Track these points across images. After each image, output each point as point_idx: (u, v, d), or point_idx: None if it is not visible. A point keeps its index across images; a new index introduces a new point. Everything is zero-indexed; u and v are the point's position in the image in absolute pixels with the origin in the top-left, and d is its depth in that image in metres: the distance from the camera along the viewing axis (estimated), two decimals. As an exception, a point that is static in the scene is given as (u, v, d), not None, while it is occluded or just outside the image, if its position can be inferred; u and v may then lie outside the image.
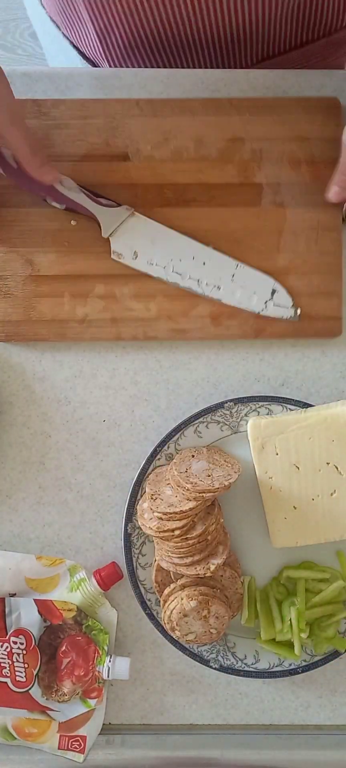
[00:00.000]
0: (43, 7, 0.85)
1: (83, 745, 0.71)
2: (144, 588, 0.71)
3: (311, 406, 0.71)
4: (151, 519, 0.67)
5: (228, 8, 0.70)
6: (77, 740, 0.71)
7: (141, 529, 0.70)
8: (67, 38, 0.85)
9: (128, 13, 0.71)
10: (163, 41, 0.75)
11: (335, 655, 0.72)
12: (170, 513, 0.65)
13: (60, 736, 0.71)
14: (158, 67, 0.78)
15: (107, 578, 0.71)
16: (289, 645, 0.70)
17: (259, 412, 0.71)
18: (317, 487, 0.70)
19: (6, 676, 0.69)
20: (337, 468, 0.70)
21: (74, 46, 0.85)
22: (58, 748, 0.71)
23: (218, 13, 0.71)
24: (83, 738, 0.71)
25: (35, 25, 0.94)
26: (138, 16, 0.72)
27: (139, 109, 0.71)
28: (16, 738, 0.71)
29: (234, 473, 0.67)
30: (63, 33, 0.85)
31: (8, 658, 0.69)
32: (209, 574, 0.67)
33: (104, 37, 0.76)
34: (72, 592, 0.71)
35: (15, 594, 0.71)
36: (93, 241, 0.71)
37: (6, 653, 0.69)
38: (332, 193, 0.69)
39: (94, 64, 0.84)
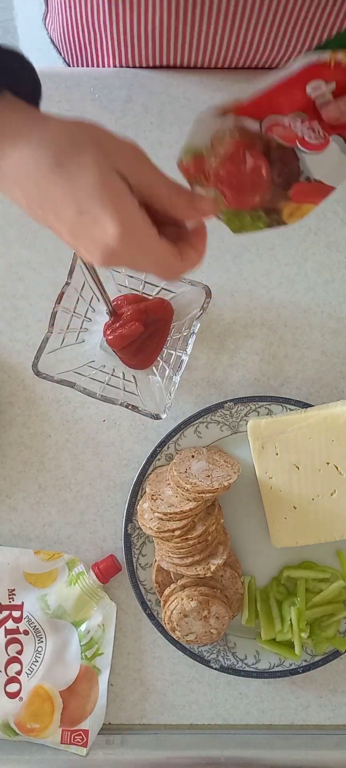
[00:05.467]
0: None
1: (86, 738, 0.71)
2: (144, 588, 0.71)
3: (311, 406, 0.71)
4: (151, 519, 0.67)
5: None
6: (80, 734, 0.71)
7: (141, 530, 0.70)
8: (47, 30, 0.85)
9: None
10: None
11: (335, 654, 0.72)
12: (170, 513, 0.65)
13: (62, 730, 0.71)
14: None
15: (106, 571, 0.71)
16: (289, 645, 0.70)
17: (259, 412, 0.71)
18: (317, 487, 0.70)
19: None
20: (337, 468, 0.70)
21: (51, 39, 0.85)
22: (61, 743, 0.71)
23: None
24: (86, 732, 0.71)
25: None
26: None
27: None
28: (18, 734, 0.71)
29: (234, 473, 0.67)
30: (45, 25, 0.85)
31: None
32: (209, 575, 0.66)
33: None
34: (71, 586, 0.71)
35: (14, 590, 0.71)
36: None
37: None
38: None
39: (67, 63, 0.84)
